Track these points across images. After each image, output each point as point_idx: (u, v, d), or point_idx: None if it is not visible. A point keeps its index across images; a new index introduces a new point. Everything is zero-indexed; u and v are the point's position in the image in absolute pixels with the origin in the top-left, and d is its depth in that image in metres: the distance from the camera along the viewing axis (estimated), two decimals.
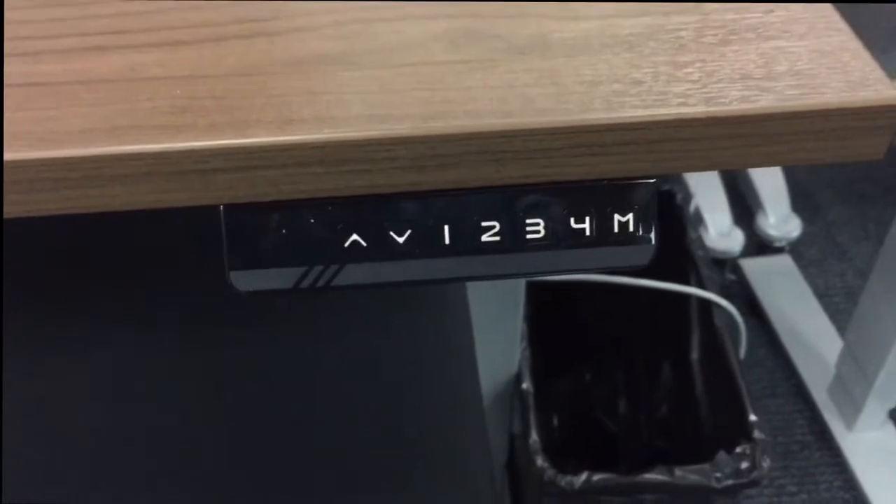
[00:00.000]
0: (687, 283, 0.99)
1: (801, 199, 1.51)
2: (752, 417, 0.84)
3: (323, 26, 0.33)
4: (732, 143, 0.30)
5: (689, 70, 0.31)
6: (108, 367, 0.56)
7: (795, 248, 1.42)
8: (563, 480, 0.79)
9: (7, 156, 0.28)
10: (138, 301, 0.58)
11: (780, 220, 1.36)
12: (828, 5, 0.33)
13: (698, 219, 1.32)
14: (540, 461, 0.80)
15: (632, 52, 0.32)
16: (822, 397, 1.18)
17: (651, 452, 1.03)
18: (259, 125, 0.29)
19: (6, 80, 0.30)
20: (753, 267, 1.35)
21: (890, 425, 1.14)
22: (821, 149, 0.30)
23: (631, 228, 0.31)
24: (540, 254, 0.31)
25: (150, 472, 0.53)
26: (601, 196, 0.31)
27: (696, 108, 0.29)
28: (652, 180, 0.31)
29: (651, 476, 0.79)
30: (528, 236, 0.31)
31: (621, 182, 0.31)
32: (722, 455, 0.80)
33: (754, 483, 0.80)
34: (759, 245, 1.39)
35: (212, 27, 0.33)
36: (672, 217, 1.05)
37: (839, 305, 1.35)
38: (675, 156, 0.30)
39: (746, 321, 1.33)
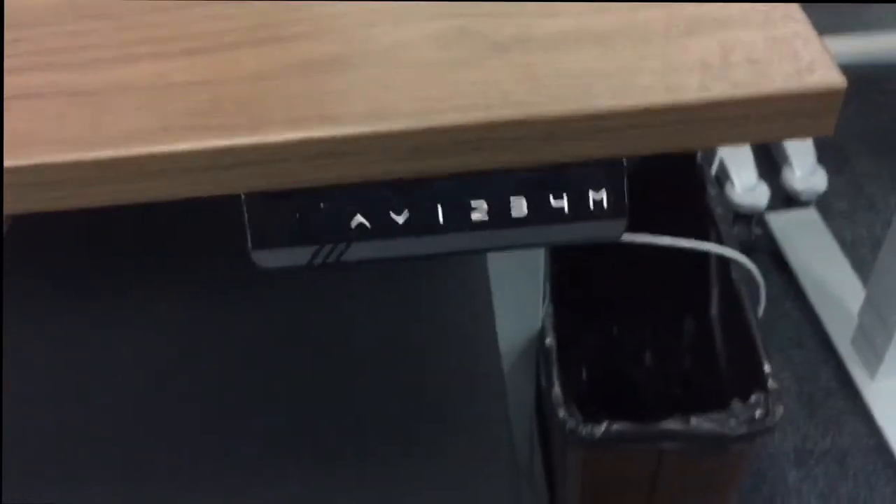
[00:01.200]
0: (707, 239, 1.02)
1: (830, 151, 1.52)
2: (767, 368, 0.87)
3: (327, 31, 0.37)
4: (692, 126, 0.34)
5: (653, 62, 0.34)
6: (150, 338, 0.62)
7: (824, 201, 1.44)
8: (584, 430, 0.84)
9: (57, 157, 0.33)
10: (171, 278, 0.63)
11: (805, 173, 1.37)
12: None
13: (724, 175, 1.34)
14: (562, 412, 0.85)
15: (602, 46, 0.35)
16: (846, 347, 1.21)
17: (673, 403, 1.07)
18: (273, 124, 0.34)
19: (57, 89, 0.35)
20: (779, 221, 1.37)
21: None
22: (773, 129, 0.34)
23: (605, 205, 0.35)
24: (523, 229, 0.35)
25: (184, 429, 0.59)
26: (576, 177, 0.35)
27: (657, 98, 0.33)
28: (622, 161, 0.35)
29: (668, 424, 0.84)
30: (513, 214, 0.35)
31: (593, 164, 0.35)
32: (737, 403, 0.84)
33: (768, 430, 0.84)
34: (785, 199, 1.40)
35: (229, 35, 0.37)
36: (692, 176, 1.07)
37: (866, 257, 1.36)
38: (641, 139, 0.34)
39: (772, 276, 1.36)
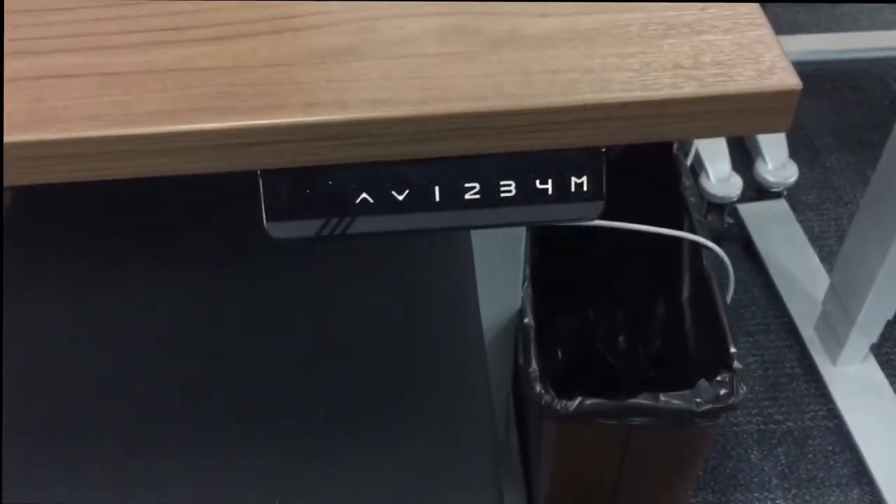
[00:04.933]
0: (680, 227, 1.07)
1: (801, 146, 1.57)
2: (733, 349, 0.92)
3: (338, 23, 0.41)
4: (664, 120, 0.38)
5: (632, 61, 0.38)
6: (161, 305, 0.65)
7: (794, 193, 1.49)
8: (559, 404, 0.88)
9: (91, 132, 0.36)
10: (182, 245, 0.66)
11: (777, 166, 1.42)
12: (754, 3, 0.40)
13: (700, 165, 1.39)
14: (538, 388, 0.89)
15: (587, 45, 0.39)
16: (810, 333, 1.26)
17: (645, 382, 1.11)
18: (288, 108, 0.37)
19: (90, 70, 0.38)
20: (750, 211, 1.42)
21: (871, 360, 1.22)
22: (737, 124, 0.38)
23: (585, 188, 0.39)
24: (511, 208, 0.39)
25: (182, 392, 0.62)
26: (560, 163, 0.39)
27: (634, 94, 0.37)
28: (601, 149, 0.39)
29: (639, 401, 0.88)
30: (502, 194, 0.39)
31: (575, 151, 0.39)
32: (703, 382, 0.89)
33: (732, 407, 0.88)
34: (757, 190, 1.46)
35: (247, 24, 0.41)
36: (669, 166, 1.12)
37: (832, 248, 1.42)
38: (619, 130, 0.38)
39: (742, 263, 1.41)
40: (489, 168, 0.39)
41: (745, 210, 1.43)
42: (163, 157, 0.37)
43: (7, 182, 0.37)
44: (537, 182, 0.39)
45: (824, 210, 1.50)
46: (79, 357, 0.63)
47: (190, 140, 0.37)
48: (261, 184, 0.39)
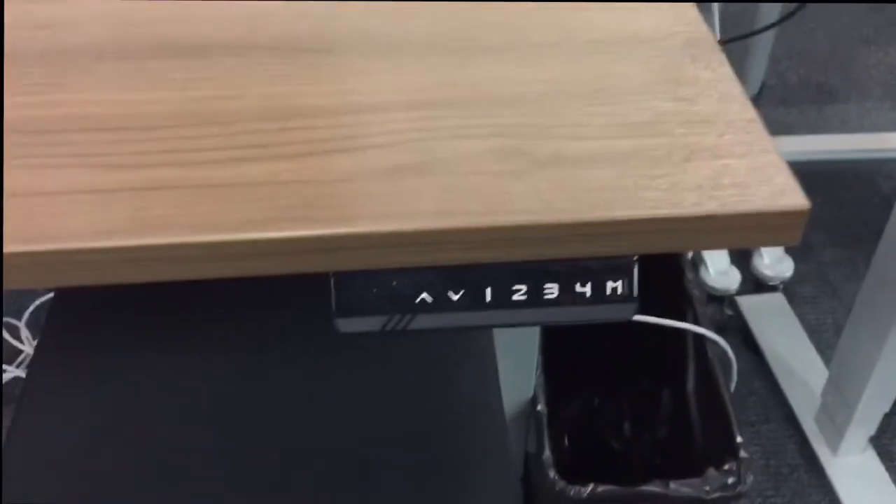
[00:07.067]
0: (684, 319, 1.12)
1: None
2: (739, 439, 0.96)
3: (402, 143, 0.46)
4: (688, 234, 0.43)
5: (660, 181, 0.44)
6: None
7: (790, 287, 1.54)
8: (572, 490, 0.91)
9: (190, 238, 0.42)
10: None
11: (774, 260, 1.48)
12: (764, 134, 0.46)
13: (699, 259, 1.45)
14: (552, 474, 0.93)
15: (622, 167, 0.45)
16: (810, 424, 1.30)
17: (651, 469, 1.15)
18: (361, 219, 0.42)
19: (189, 183, 0.44)
20: (749, 304, 1.47)
21: (871, 450, 1.26)
22: (752, 238, 0.44)
23: (619, 291, 0.44)
24: (553, 308, 0.44)
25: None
26: (597, 268, 0.44)
27: (662, 211, 0.43)
28: (634, 257, 0.44)
29: (649, 488, 0.92)
30: (546, 296, 0.44)
31: (611, 259, 0.44)
32: (711, 471, 0.93)
33: (739, 496, 0.92)
34: (755, 283, 1.51)
35: (321, 144, 0.46)
36: (672, 261, 1.18)
37: (829, 340, 1.46)
38: (650, 241, 0.43)
39: (742, 354, 1.45)
40: (535, 272, 0.44)
41: (744, 302, 1.48)
42: (255, 261, 0.42)
43: (115, 280, 0.42)
44: (577, 285, 0.44)
45: (819, 303, 1.55)
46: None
47: (274, 247, 0.42)
48: (332, 283, 0.44)
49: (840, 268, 1.62)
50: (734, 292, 1.45)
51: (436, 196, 0.43)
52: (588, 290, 0.44)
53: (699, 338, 1.10)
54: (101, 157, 0.45)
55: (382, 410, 0.69)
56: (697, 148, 0.46)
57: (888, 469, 1.25)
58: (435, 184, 0.44)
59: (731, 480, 0.92)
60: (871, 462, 1.25)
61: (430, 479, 0.67)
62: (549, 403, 1.02)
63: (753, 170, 0.45)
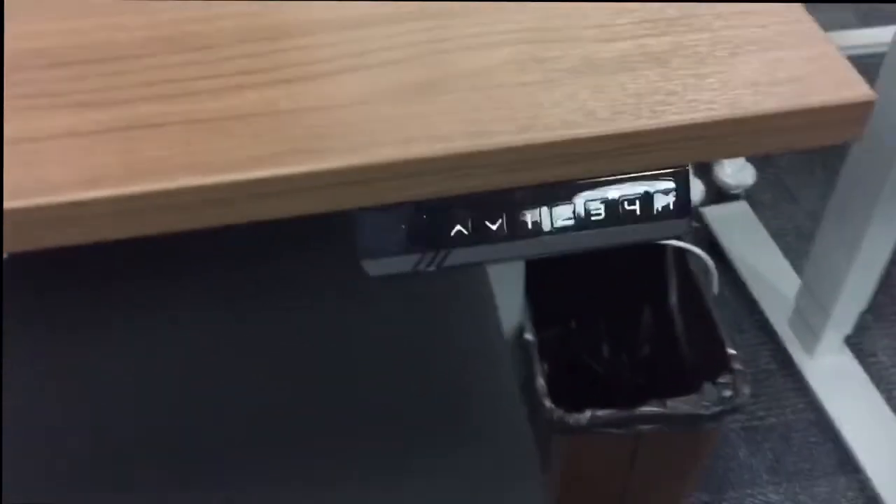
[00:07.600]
0: None
1: None
2: (731, 351, 0.94)
3: (413, 57, 0.41)
4: (744, 137, 0.39)
5: (711, 80, 0.39)
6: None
7: (750, 195, 1.54)
8: (571, 418, 0.89)
9: (191, 181, 0.36)
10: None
11: (735, 169, 1.46)
12: (813, 24, 0.42)
13: None
14: (548, 403, 0.90)
15: (663, 67, 0.40)
16: (784, 329, 1.30)
17: (634, 389, 1.13)
18: (382, 145, 0.37)
19: (177, 119, 0.38)
20: (714, 214, 1.46)
21: (846, 350, 1.26)
22: (814, 136, 0.39)
23: (671, 207, 0.40)
24: (601, 230, 0.40)
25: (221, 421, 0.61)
26: (647, 184, 0.40)
27: (721, 112, 0.38)
28: (687, 168, 0.40)
29: (647, 409, 0.90)
30: (593, 217, 0.40)
31: (661, 172, 0.40)
32: (708, 386, 0.91)
33: (737, 409, 0.91)
34: (718, 193, 1.50)
35: (321, 64, 0.41)
36: None
37: (791, 244, 1.47)
38: (702, 149, 0.39)
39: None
40: (580, 192, 0.39)
41: (709, 213, 1.47)
42: (260, 203, 0.37)
43: (108, 236, 0.36)
44: (625, 204, 0.40)
45: (780, 209, 1.55)
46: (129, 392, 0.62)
47: (285, 184, 0.36)
48: (357, 222, 0.38)
49: (797, 174, 1.62)
50: (698, 204, 1.43)
51: (462, 115, 0.38)
52: (637, 207, 0.40)
53: (679, 252, 1.08)
54: (69, 95, 0.38)
55: (387, 350, 0.64)
56: (741, 41, 0.41)
57: (865, 366, 1.26)
58: (458, 101, 0.39)
59: (727, 393, 0.91)
60: (848, 361, 1.26)
61: (440, 417, 0.63)
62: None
63: (808, 60, 0.40)
